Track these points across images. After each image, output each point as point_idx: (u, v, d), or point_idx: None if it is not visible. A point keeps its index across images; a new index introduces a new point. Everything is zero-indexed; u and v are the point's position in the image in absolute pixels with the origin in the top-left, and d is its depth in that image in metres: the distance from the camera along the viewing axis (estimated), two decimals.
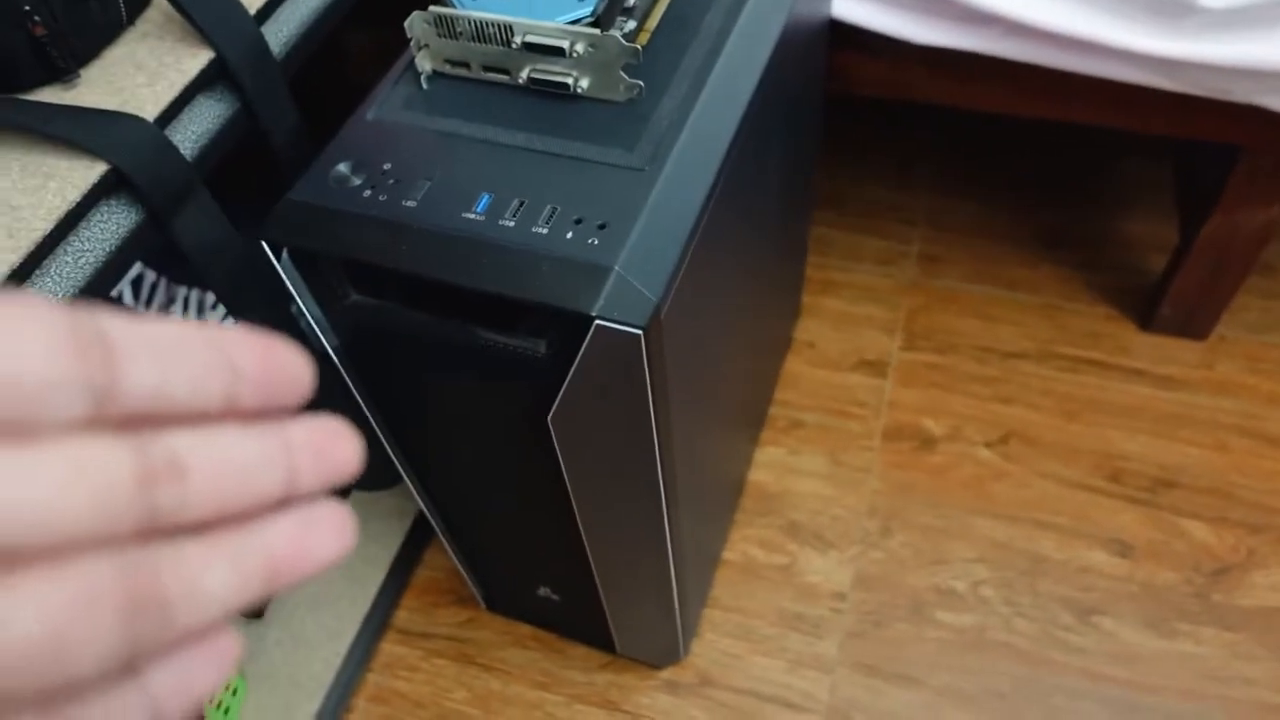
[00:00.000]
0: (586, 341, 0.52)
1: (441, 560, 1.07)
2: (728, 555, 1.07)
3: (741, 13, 0.67)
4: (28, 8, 0.58)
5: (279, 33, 0.70)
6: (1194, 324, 1.19)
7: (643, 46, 0.65)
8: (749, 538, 1.08)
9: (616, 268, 0.52)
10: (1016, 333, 1.24)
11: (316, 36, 0.73)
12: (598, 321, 0.51)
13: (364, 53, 1.32)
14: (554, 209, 0.56)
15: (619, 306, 0.52)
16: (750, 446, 1.13)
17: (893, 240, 1.36)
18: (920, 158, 1.45)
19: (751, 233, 0.79)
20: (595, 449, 0.63)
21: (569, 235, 0.54)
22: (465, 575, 0.95)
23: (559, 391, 0.57)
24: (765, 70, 0.66)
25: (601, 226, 0.54)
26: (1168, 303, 1.17)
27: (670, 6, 0.68)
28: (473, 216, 0.56)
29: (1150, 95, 0.91)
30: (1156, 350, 1.20)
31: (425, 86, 0.64)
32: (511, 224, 0.55)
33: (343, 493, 1.06)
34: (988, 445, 1.14)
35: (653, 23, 0.66)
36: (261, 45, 0.66)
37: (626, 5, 0.66)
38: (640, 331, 0.52)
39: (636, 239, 0.54)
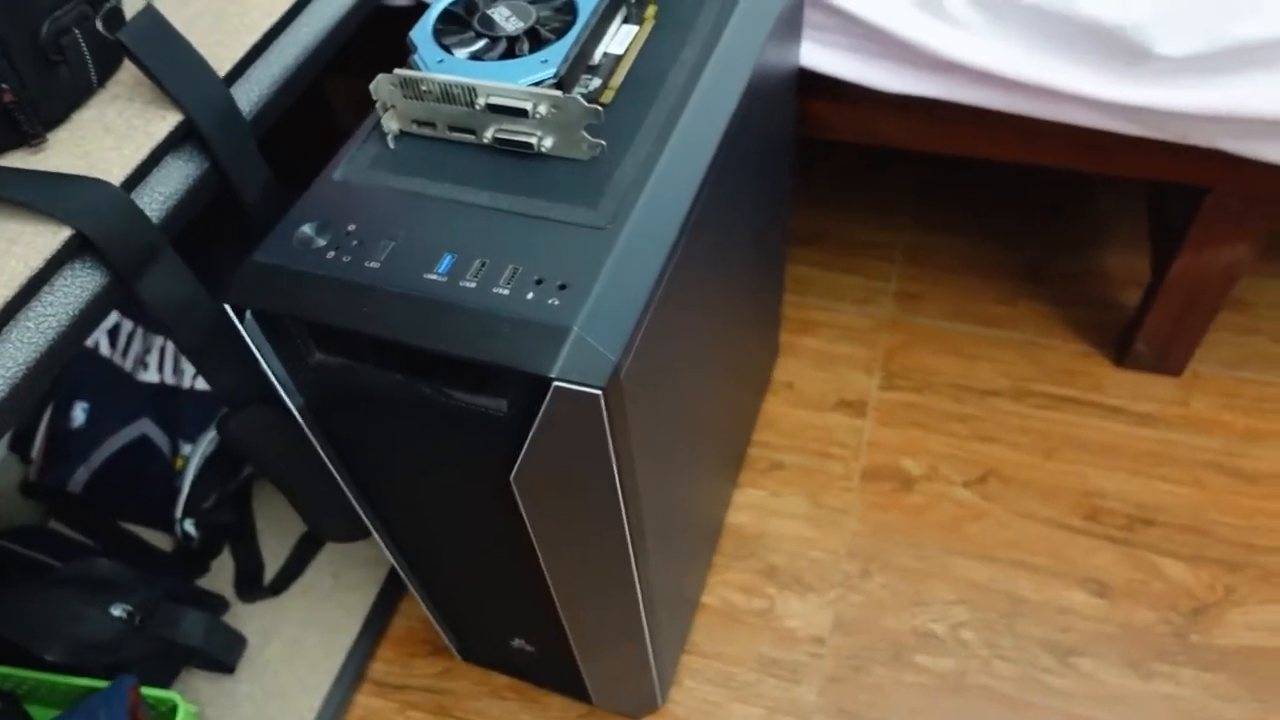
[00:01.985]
0: (546, 402, 0.53)
1: (417, 610, 1.06)
2: (706, 599, 1.06)
3: (706, 68, 0.68)
4: None
5: (250, 93, 0.70)
6: (1168, 360, 1.20)
7: (607, 104, 0.66)
8: (728, 581, 1.07)
9: (575, 328, 0.53)
10: (994, 370, 1.24)
11: (289, 94, 0.74)
12: (556, 383, 0.52)
13: (350, 95, 1.34)
14: (515, 269, 0.56)
15: (578, 367, 0.52)
16: (729, 488, 1.13)
17: (871, 278, 1.37)
18: (897, 194, 1.46)
19: (721, 281, 0.79)
20: (559, 507, 0.63)
21: (529, 295, 0.55)
22: (438, 627, 0.95)
23: (521, 451, 0.57)
24: (730, 124, 0.67)
25: (562, 287, 0.55)
26: (1142, 339, 1.18)
27: (635, 64, 0.69)
28: (435, 277, 0.56)
29: (1112, 139, 0.92)
30: (1132, 387, 1.21)
31: (392, 146, 0.65)
32: (473, 285, 0.55)
33: (317, 542, 1.06)
34: (966, 485, 1.14)
35: (617, 80, 0.67)
36: (231, 106, 0.67)
37: (591, 64, 0.67)
38: (599, 391, 0.52)
39: (596, 299, 0.54)
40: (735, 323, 0.92)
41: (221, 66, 0.68)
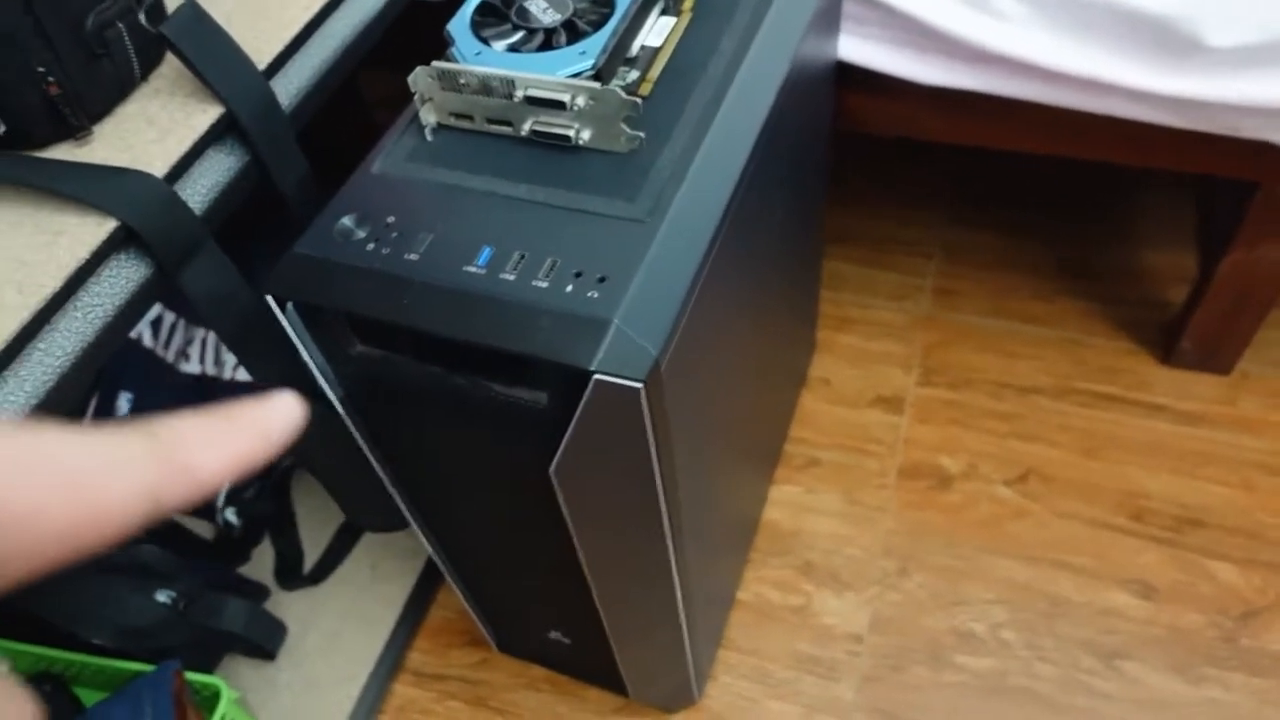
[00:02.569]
0: (586, 396, 0.52)
1: (455, 600, 1.06)
2: (742, 596, 1.06)
3: (745, 60, 0.68)
4: (42, 69, 0.59)
5: (288, 86, 0.71)
6: (1216, 359, 1.17)
7: (645, 96, 0.65)
8: (763, 578, 1.07)
9: (615, 321, 0.52)
10: (1034, 368, 1.22)
11: (326, 87, 0.74)
12: (596, 376, 0.51)
13: (381, 87, 1.35)
14: (554, 262, 0.56)
15: (618, 360, 0.51)
16: (764, 485, 1.12)
17: (907, 274, 1.35)
18: (934, 189, 1.44)
19: (758, 276, 0.79)
20: (599, 499, 0.62)
21: (569, 288, 0.54)
22: (475, 618, 0.95)
23: (560, 444, 0.57)
24: (768, 117, 0.66)
25: (601, 279, 0.54)
26: (1188, 337, 1.16)
27: (673, 56, 0.68)
28: (474, 270, 0.56)
29: (1158, 131, 0.90)
30: (1178, 385, 1.18)
31: (430, 139, 0.65)
32: (512, 277, 0.55)
33: (355, 532, 1.07)
34: (1006, 483, 1.12)
35: (655, 72, 0.67)
36: (270, 100, 0.67)
37: (629, 55, 0.67)
38: (640, 385, 0.51)
39: (636, 291, 0.54)
40: (772, 317, 0.91)
41: (261, 60, 0.69)
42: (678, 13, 0.72)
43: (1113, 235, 1.35)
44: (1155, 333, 1.23)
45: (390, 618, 1.01)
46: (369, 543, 1.08)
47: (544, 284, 0.55)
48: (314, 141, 0.77)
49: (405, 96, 0.65)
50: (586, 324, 0.53)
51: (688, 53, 0.69)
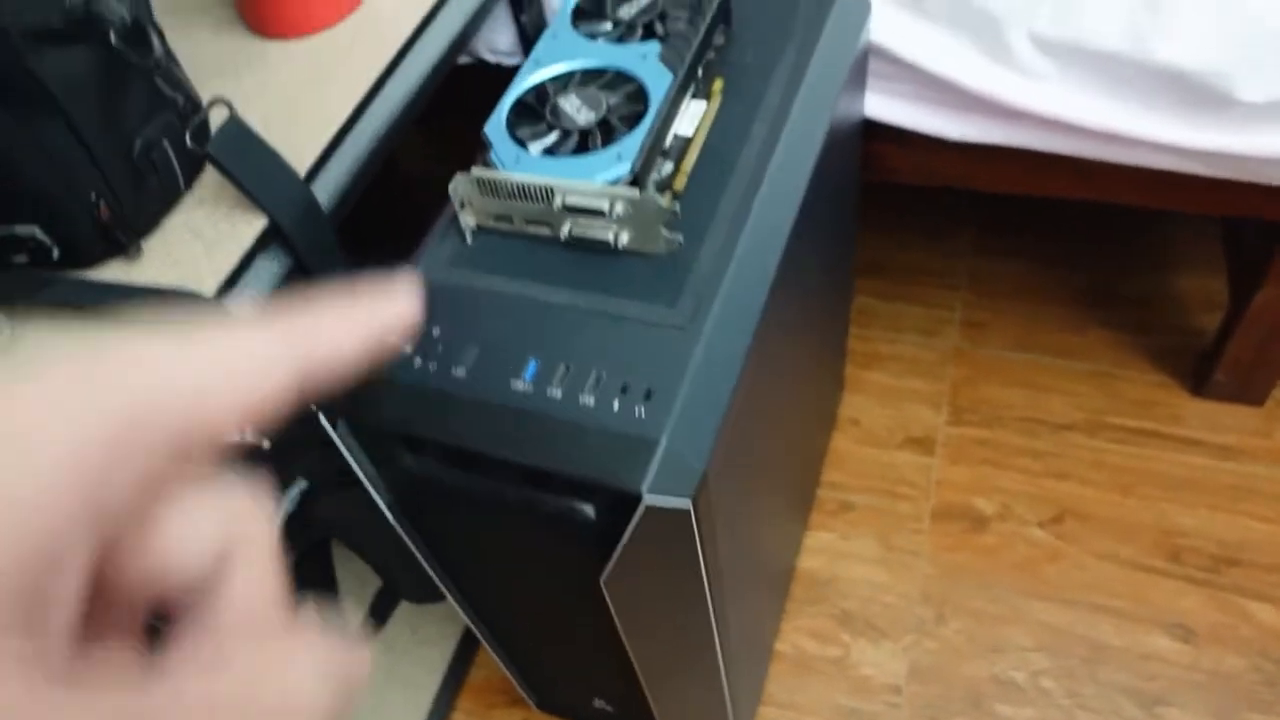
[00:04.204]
0: (637, 516, 0.53)
1: (495, 660, 1.08)
2: (780, 647, 1.06)
3: (777, 148, 0.68)
4: (94, 194, 0.61)
5: (327, 185, 0.72)
6: (1249, 390, 1.17)
7: (680, 191, 0.66)
8: (800, 628, 1.07)
9: (663, 441, 0.53)
10: (1066, 403, 1.22)
11: (364, 178, 0.75)
12: (646, 497, 0.52)
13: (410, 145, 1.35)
14: (599, 375, 0.57)
15: (667, 481, 0.52)
16: (799, 531, 1.13)
17: (935, 307, 1.35)
18: (959, 217, 1.44)
19: (796, 343, 0.79)
20: (648, 604, 0.63)
21: (615, 406, 0.55)
22: (516, 682, 0.96)
23: (610, 555, 0.57)
24: (802, 202, 0.67)
25: (647, 395, 0.55)
26: (1221, 369, 1.15)
27: (706, 144, 0.69)
28: (521, 386, 0.57)
29: (1187, 178, 0.90)
30: (1212, 418, 1.18)
31: (469, 241, 0.66)
32: (559, 394, 0.56)
33: (392, 603, 1.08)
34: (1040, 525, 1.12)
35: (689, 163, 0.67)
36: (313, 205, 0.68)
37: (663, 147, 0.67)
38: (689, 501, 0.52)
39: (681, 407, 0.55)
40: (807, 373, 0.92)
41: (302, 164, 0.70)
42: (708, 96, 0.72)
43: (1140, 262, 1.34)
44: (1187, 363, 1.23)
45: (433, 682, 1.02)
46: (408, 609, 1.09)
47: (590, 400, 0.56)
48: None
49: (439, 153, 0.65)
50: (634, 444, 0.53)
51: (720, 140, 0.69)
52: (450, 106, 0.89)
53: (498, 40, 1.03)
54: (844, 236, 0.95)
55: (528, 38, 1.02)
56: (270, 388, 0.19)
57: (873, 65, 0.90)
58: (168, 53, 0.61)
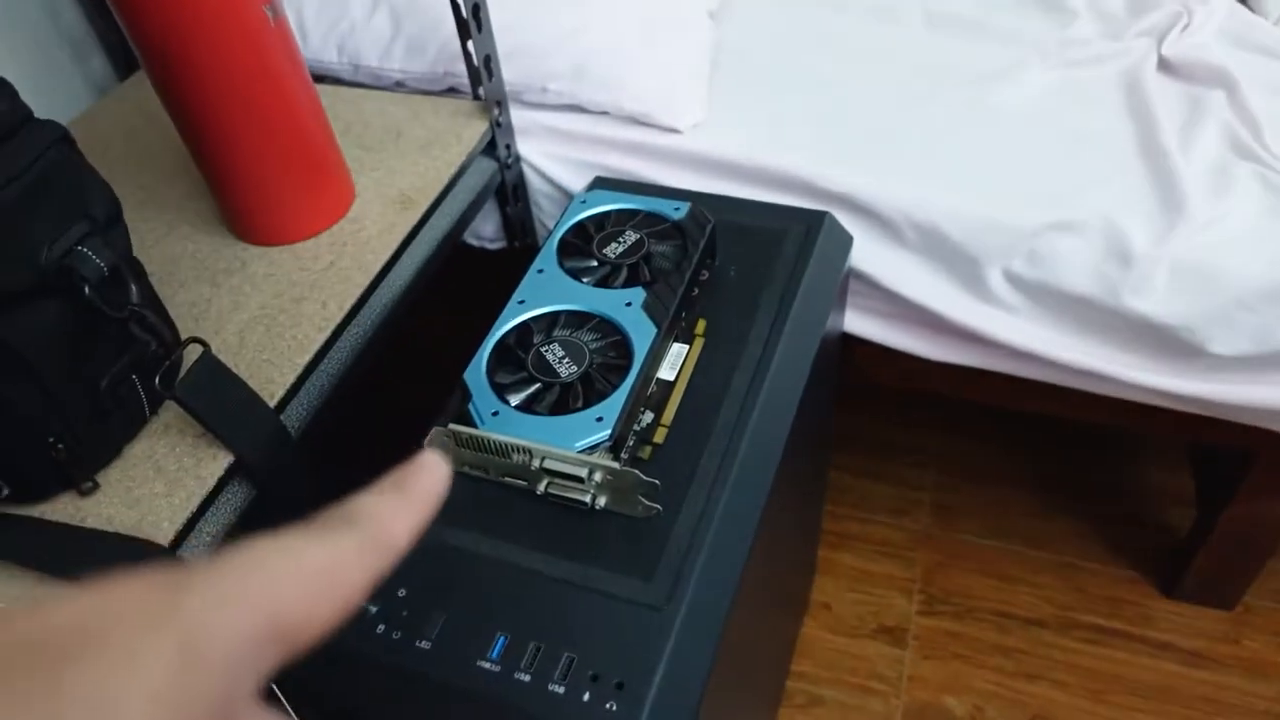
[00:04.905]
0: None
1: None
2: None
3: (762, 389, 0.67)
4: (51, 438, 0.58)
5: (299, 410, 0.71)
6: (1219, 595, 1.17)
7: (660, 442, 0.65)
8: None
9: None
10: (1036, 596, 1.21)
11: (336, 398, 0.74)
12: None
13: None
14: (570, 660, 0.54)
15: None
16: None
17: (905, 487, 1.35)
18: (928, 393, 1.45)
19: (775, 574, 0.78)
20: None
21: (585, 697, 0.53)
22: None
23: None
24: (786, 444, 0.66)
25: (619, 686, 0.53)
26: (1191, 574, 1.15)
27: (687, 392, 0.68)
28: (488, 665, 0.54)
29: (1160, 410, 0.91)
30: (1182, 621, 1.17)
31: None
32: (527, 678, 0.54)
33: None
34: None
35: (669, 415, 0.67)
36: (281, 436, 0.67)
37: (644, 398, 0.67)
38: None
39: (654, 701, 0.52)
40: (784, 579, 0.90)
41: (274, 391, 0.68)
42: (690, 339, 0.72)
43: (1108, 448, 1.36)
44: (1155, 559, 1.23)
45: None
46: None
47: (560, 689, 0.53)
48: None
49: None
50: None
51: (702, 385, 0.69)
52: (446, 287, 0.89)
53: (483, 228, 1.04)
54: (824, 439, 0.95)
55: (512, 227, 1.03)
56: (360, 590, 0.21)
57: (852, 285, 0.91)
58: (146, 297, 0.60)
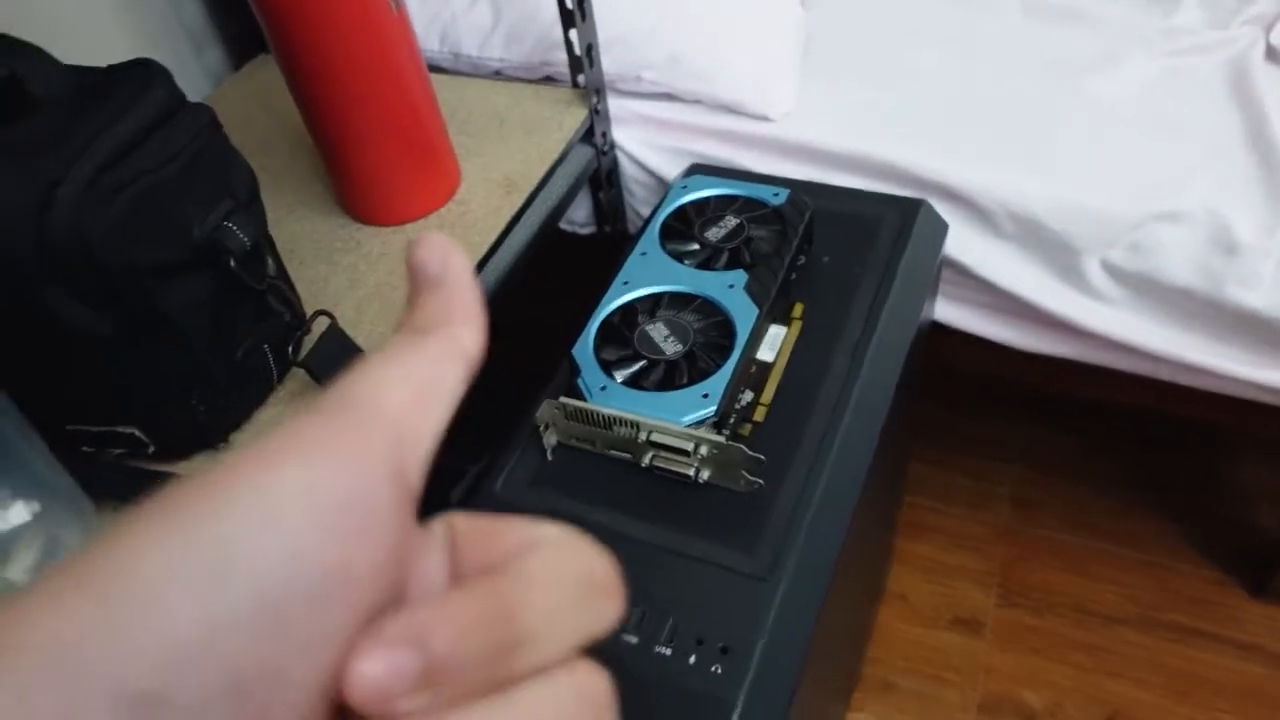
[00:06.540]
0: None
1: None
2: None
3: (860, 372, 0.69)
4: (195, 401, 0.63)
5: None
6: None
7: (760, 420, 0.67)
8: None
9: (739, 704, 0.53)
10: (1119, 594, 1.20)
11: None
12: None
13: None
14: (676, 624, 0.57)
15: None
16: (843, 711, 1.10)
17: (985, 480, 1.34)
18: (1012, 385, 1.44)
19: (865, 556, 0.79)
20: None
21: (691, 660, 0.55)
22: None
23: None
24: (882, 428, 0.68)
25: (724, 650, 0.55)
26: None
27: (786, 371, 0.70)
28: None
29: (1259, 405, 0.90)
30: (1271, 623, 1.15)
31: (550, 458, 0.67)
32: (635, 640, 0.56)
33: None
34: None
35: (768, 394, 0.68)
36: None
37: (747, 373, 0.69)
38: None
39: (757, 665, 0.54)
40: (868, 565, 0.91)
41: None
42: (788, 321, 0.74)
43: (1193, 448, 1.33)
44: (1244, 560, 1.20)
45: None
46: None
47: (667, 651, 0.56)
48: None
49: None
50: (711, 704, 0.53)
51: (800, 366, 0.70)
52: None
53: (576, 213, 1.07)
54: (908, 426, 0.96)
55: (604, 213, 1.06)
56: (455, 391, 0.19)
57: (945, 273, 0.92)
58: (280, 272, 0.64)
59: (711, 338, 0.68)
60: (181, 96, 0.59)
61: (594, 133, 0.96)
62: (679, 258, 0.74)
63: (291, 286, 0.68)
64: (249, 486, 0.15)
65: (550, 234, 0.90)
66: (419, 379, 0.19)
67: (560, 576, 0.18)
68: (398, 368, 0.19)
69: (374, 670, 0.15)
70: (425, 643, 0.15)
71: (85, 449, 0.63)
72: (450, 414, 0.19)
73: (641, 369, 0.66)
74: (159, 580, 0.14)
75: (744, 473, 0.62)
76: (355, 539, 0.16)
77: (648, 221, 0.78)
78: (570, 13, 0.87)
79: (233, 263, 0.59)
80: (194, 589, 0.14)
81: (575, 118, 0.94)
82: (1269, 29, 0.99)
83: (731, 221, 0.76)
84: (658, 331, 0.68)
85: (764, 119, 0.97)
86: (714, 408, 0.63)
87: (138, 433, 0.63)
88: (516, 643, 0.17)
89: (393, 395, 0.18)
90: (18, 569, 0.54)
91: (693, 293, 0.70)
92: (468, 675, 0.16)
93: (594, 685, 0.18)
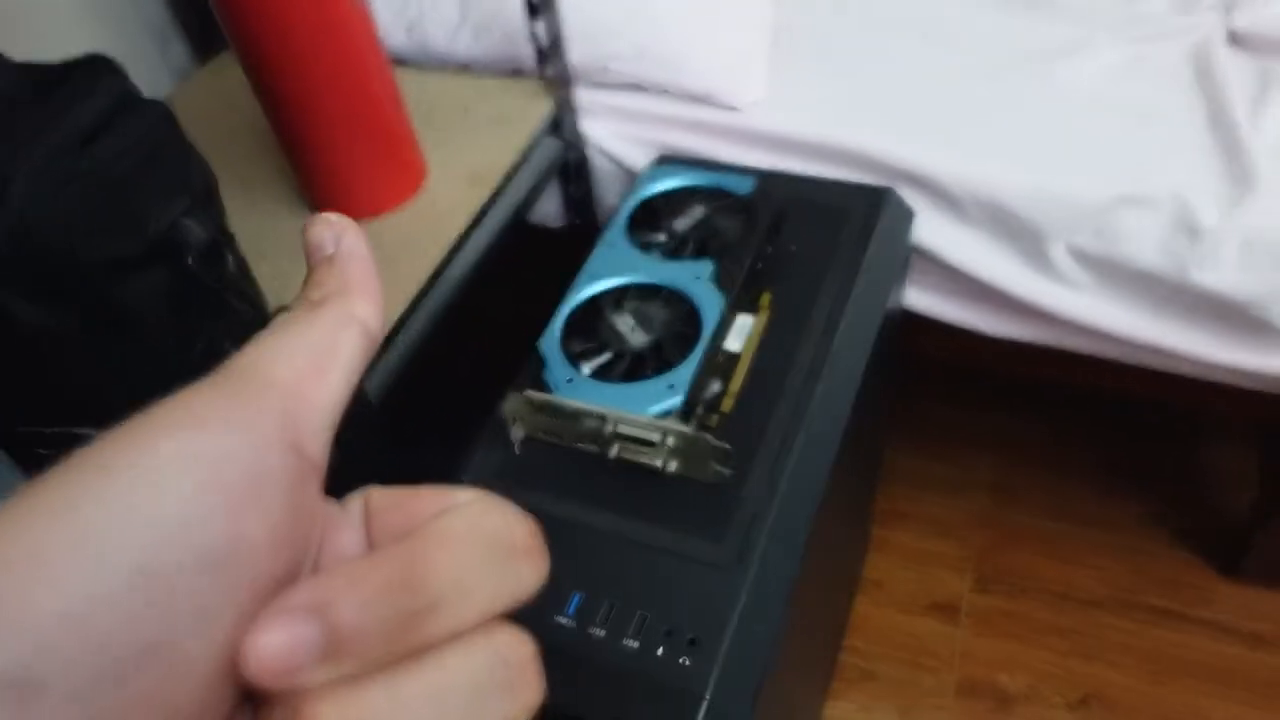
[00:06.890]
0: None
1: None
2: None
3: (826, 359, 0.69)
4: (154, 395, 0.62)
5: (377, 377, 0.73)
6: None
7: (728, 411, 0.67)
8: None
9: (707, 697, 0.53)
10: (1093, 577, 1.21)
11: (419, 361, 0.77)
12: None
13: None
14: (644, 617, 0.57)
15: None
16: (820, 701, 1.11)
17: (961, 467, 1.35)
18: (988, 373, 1.44)
19: (834, 545, 0.79)
20: None
21: (659, 651, 0.55)
22: None
23: None
24: (849, 417, 0.68)
25: (691, 642, 0.55)
26: (1252, 555, 1.14)
27: (754, 361, 0.70)
28: (564, 621, 0.57)
29: (1226, 388, 0.90)
30: (1242, 603, 1.16)
31: (518, 452, 0.66)
32: (602, 633, 0.56)
33: None
34: (1069, 707, 1.10)
35: (736, 384, 0.68)
36: (364, 401, 0.70)
37: (714, 363, 0.68)
38: None
39: (725, 657, 0.54)
40: (841, 555, 0.91)
41: None
42: (756, 310, 0.74)
43: (1165, 433, 1.34)
44: (1216, 541, 1.21)
45: None
46: None
47: (634, 644, 0.55)
48: None
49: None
50: (679, 697, 0.53)
51: (768, 356, 0.70)
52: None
53: (546, 206, 1.06)
54: (882, 414, 0.96)
55: (573, 205, 1.05)
56: (352, 362, 0.19)
57: (915, 261, 0.92)
58: (240, 270, 0.63)
59: (678, 328, 0.67)
60: (135, 91, 0.58)
61: (561, 125, 0.95)
62: (646, 248, 0.73)
63: (254, 282, 0.67)
64: (132, 456, 0.15)
65: (519, 227, 0.89)
66: (311, 349, 0.19)
67: (472, 538, 0.17)
68: (290, 339, 0.19)
69: (273, 642, 0.14)
70: (327, 612, 0.15)
71: (41, 451, 0.62)
72: (351, 386, 0.19)
73: (608, 361, 0.66)
74: (23, 560, 0.13)
75: (712, 463, 0.61)
76: (247, 507, 0.15)
77: (615, 213, 0.77)
78: (535, 5, 0.87)
79: (190, 260, 0.58)
80: (63, 566, 0.13)
81: (541, 110, 0.93)
82: (1229, 13, 1.00)
83: (699, 211, 0.75)
84: (624, 323, 0.68)
85: (732, 109, 0.97)
86: (680, 398, 0.62)
87: (95, 434, 0.62)
88: (427, 608, 0.16)
89: (283, 365, 0.18)
90: None
91: (659, 283, 0.70)
92: (375, 644, 0.15)
93: (514, 649, 0.17)
